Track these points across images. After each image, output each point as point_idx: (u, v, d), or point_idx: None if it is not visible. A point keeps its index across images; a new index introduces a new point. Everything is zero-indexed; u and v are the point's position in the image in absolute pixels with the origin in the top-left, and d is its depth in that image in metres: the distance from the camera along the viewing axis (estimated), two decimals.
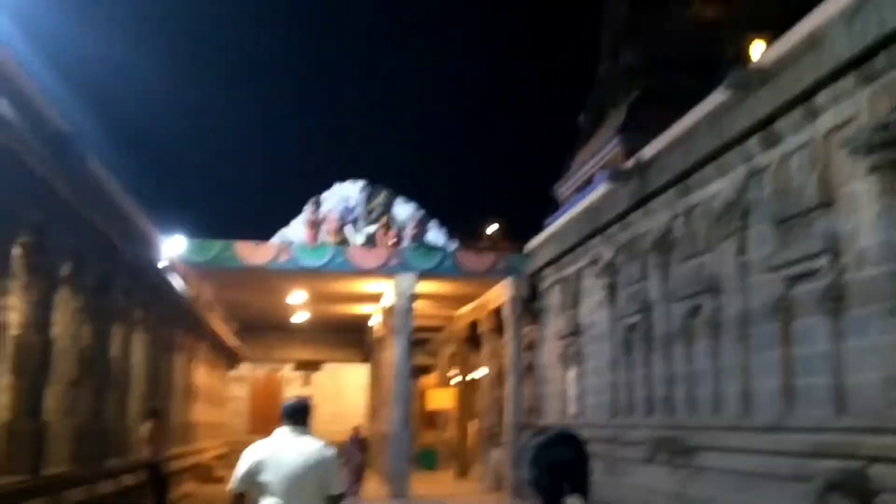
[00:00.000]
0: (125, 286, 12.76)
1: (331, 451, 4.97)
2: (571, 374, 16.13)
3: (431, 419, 29.39)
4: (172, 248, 15.71)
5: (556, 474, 2.30)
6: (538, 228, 18.70)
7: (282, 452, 4.82)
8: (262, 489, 4.75)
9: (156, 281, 14.55)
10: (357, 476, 17.54)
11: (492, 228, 29.76)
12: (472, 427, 24.77)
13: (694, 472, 10.71)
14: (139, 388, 14.46)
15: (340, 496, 4.97)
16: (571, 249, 15.75)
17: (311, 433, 5.02)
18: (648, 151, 12.19)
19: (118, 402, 12.99)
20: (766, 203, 9.57)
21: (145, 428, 14.05)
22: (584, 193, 16.01)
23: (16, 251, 8.92)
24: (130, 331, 13.49)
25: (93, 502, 10.94)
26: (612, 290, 13.97)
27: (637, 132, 15.61)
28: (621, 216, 13.21)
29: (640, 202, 12.40)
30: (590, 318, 15.24)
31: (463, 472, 23.94)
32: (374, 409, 25.97)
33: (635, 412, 12.91)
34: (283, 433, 4.94)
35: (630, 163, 12.85)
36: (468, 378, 25.57)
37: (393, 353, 19.89)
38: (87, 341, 11.37)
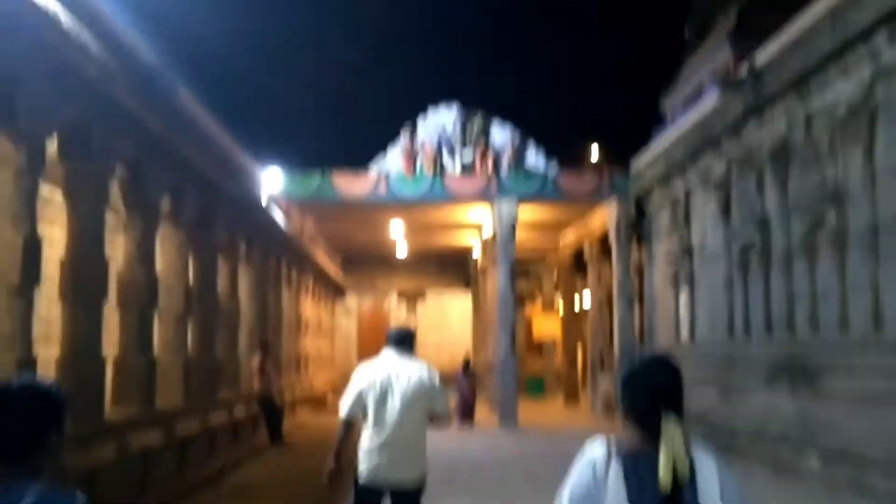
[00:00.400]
0: (227, 221, 12.81)
1: (435, 373, 5.04)
2: (682, 296, 15.50)
3: (538, 347, 29.21)
4: (271, 181, 15.72)
5: (653, 398, 2.22)
6: (642, 147, 17.90)
7: (389, 375, 4.90)
8: (371, 412, 4.85)
9: (257, 215, 14.61)
10: (468, 407, 17.69)
11: (593, 150, 28.87)
12: (580, 354, 24.47)
13: (816, 395, 10.08)
14: (247, 321, 14.67)
15: (446, 416, 5.10)
16: (681, 166, 14.96)
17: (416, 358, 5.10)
18: (763, 56, 11.27)
19: (226, 336, 13.20)
20: None
21: (255, 360, 14.31)
22: (694, 105, 15.09)
23: (114, 188, 8.95)
24: (235, 265, 13.61)
25: (206, 434, 11.18)
26: (725, 207, 13.20)
27: (748, 37, 14.51)
28: (734, 127, 12.36)
29: (755, 111, 11.54)
30: (702, 237, 14.51)
31: (571, 399, 23.74)
32: (479, 338, 25.94)
33: (752, 334, 12.26)
34: (389, 357, 5.01)
35: (742, 69, 11.94)
36: (574, 305, 25.16)
37: (496, 282, 19.64)
38: (191, 277, 11.50)
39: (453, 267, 29.42)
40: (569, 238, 23.02)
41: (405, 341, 5.12)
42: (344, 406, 4.94)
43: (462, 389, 17.84)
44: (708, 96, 13.79)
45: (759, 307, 12.03)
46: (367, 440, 4.90)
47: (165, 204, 10.42)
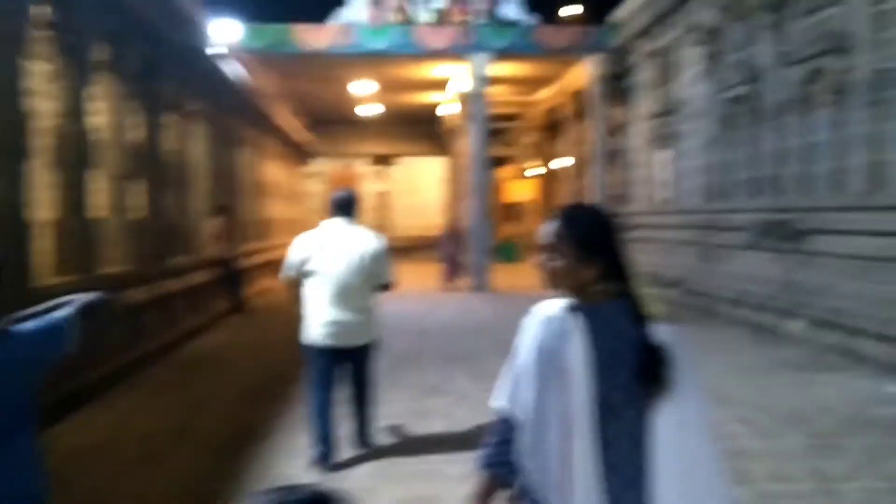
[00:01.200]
0: (176, 74, 11.74)
1: (381, 241, 5.05)
2: (663, 156, 14.80)
3: (510, 212, 28.65)
4: (226, 33, 14.50)
5: (618, 241, 2.03)
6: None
7: (332, 241, 4.94)
8: (312, 276, 4.92)
9: (210, 69, 13.49)
10: (455, 267, 17.67)
11: (571, 9, 27.30)
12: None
13: (805, 258, 9.57)
14: (202, 183, 13.81)
15: (389, 283, 5.08)
16: (665, 16, 13.93)
17: (359, 223, 5.10)
18: None
19: (179, 197, 12.35)
20: None
21: (213, 224, 13.56)
22: None
23: (38, 30, 7.89)
24: (186, 123, 12.62)
25: (158, 301, 10.54)
26: (713, 58, 12.31)
27: None
28: None
29: None
30: (686, 92, 13.67)
31: None
32: (452, 203, 25.26)
33: (737, 195, 11.65)
34: (333, 223, 5.02)
35: None
36: (548, 167, 24.44)
37: (469, 143, 18.80)
38: (136, 133, 10.56)
39: (425, 128, 28.37)
40: (545, 97, 22.05)
41: (348, 205, 5.08)
42: (285, 267, 5.07)
43: (448, 250, 17.76)
44: None
45: (745, 166, 11.37)
46: (312, 304, 4.96)
47: (103, 52, 9.35)
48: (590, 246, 2.00)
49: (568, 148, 20.51)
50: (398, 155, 30.02)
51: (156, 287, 10.49)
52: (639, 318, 1.94)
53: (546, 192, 24.21)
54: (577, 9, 26.11)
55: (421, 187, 31.17)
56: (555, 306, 2.06)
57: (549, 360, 1.97)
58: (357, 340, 5.03)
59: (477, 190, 17.31)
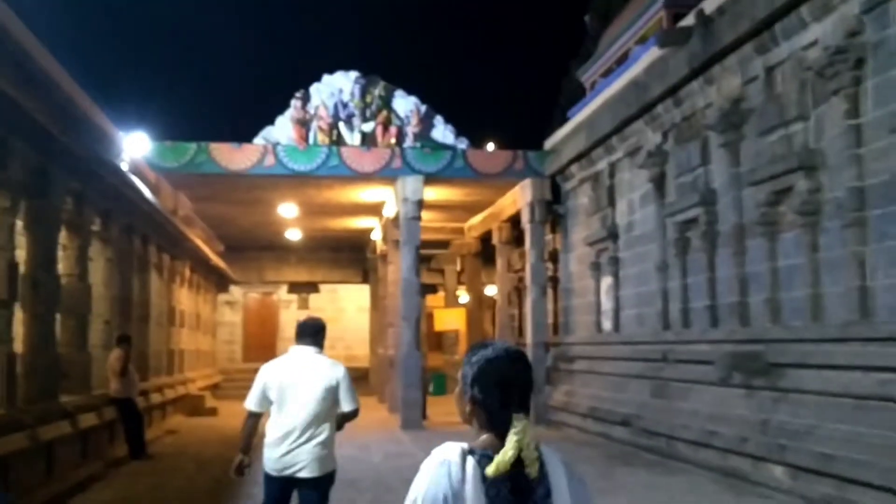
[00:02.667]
0: (73, 187, 10.46)
1: (342, 370, 5.09)
2: (605, 283, 14.00)
3: (439, 341, 27.51)
4: (135, 148, 13.33)
5: (505, 393, 2.00)
6: (553, 126, 16.39)
7: (297, 371, 4.98)
8: (276, 407, 4.95)
9: (116, 185, 12.21)
10: None
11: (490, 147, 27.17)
12: None
13: (780, 395, 8.63)
14: (103, 311, 12.30)
15: (354, 412, 5.09)
16: (605, 139, 13.42)
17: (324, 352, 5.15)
18: (714, 2, 9.76)
19: (74, 328, 10.84)
20: (894, 44, 7.23)
21: (113, 357, 11.97)
22: (618, 73, 13.61)
23: None
24: (85, 243, 11.23)
25: (39, 449, 8.88)
26: (659, 181, 11.71)
27: None
28: (673, 90, 10.84)
29: (701, 68, 10.02)
30: (629, 217, 13.01)
31: None
32: (378, 333, 23.97)
33: (694, 325, 10.79)
34: (298, 352, 5.08)
35: (687, 20, 10.44)
36: (480, 295, 23.55)
37: (398, 269, 17.79)
38: (21, 254, 9.18)
39: (350, 255, 27.33)
40: (476, 223, 21.35)
41: (314, 333, 5.14)
42: (250, 401, 5.06)
43: None
44: (640, 57, 12.28)
45: (701, 294, 10.56)
46: (272, 433, 4.98)
47: None
48: (472, 391, 2.03)
49: (501, 275, 19.66)
50: (320, 282, 28.73)
51: (36, 433, 8.85)
52: (522, 484, 1.93)
53: (478, 320, 23.19)
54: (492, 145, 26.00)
55: (345, 316, 29.83)
56: (455, 449, 1.99)
57: None
58: (314, 472, 4.96)
59: (408, 316, 16.15)
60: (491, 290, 25.21)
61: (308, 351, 5.06)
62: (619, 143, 13.08)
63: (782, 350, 8.62)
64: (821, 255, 8.22)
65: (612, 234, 13.49)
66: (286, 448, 4.90)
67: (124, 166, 12.31)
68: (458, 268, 25.91)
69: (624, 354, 12.73)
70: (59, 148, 9.62)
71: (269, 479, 5.01)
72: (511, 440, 1.93)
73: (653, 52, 11.67)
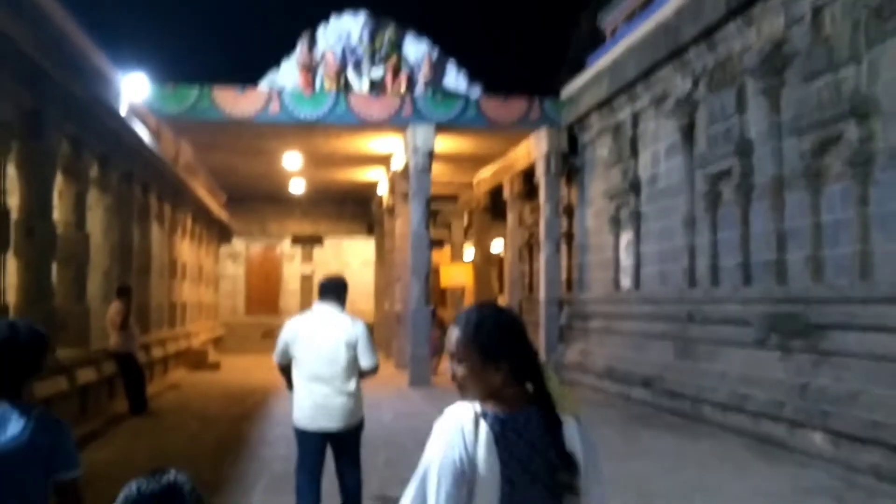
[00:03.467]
0: (68, 129, 9.85)
1: (362, 326, 5.24)
2: (625, 239, 13.44)
3: (443, 298, 27.03)
4: (135, 91, 12.66)
5: (531, 347, 2.05)
6: (570, 74, 15.66)
7: (317, 328, 5.15)
8: (300, 363, 5.14)
9: (115, 129, 11.58)
10: (432, 349, 15.92)
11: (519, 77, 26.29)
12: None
13: (821, 358, 8.12)
14: (102, 262, 11.77)
15: (374, 368, 5.22)
16: (629, 86, 12.75)
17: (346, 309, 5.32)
18: None
19: (72, 278, 10.31)
20: None
21: (113, 310, 11.47)
22: (643, 16, 12.90)
23: None
24: (83, 189, 10.65)
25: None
26: (688, 131, 11.08)
27: None
28: (707, 32, 10.16)
29: (740, 8, 9.34)
30: (653, 169, 12.41)
31: None
32: (384, 288, 23.48)
33: (724, 283, 10.25)
34: (320, 309, 5.25)
35: None
36: (488, 251, 23.02)
37: (406, 222, 17.24)
38: (15, 198, 8.62)
39: (355, 208, 26.75)
40: (486, 177, 20.72)
41: (336, 291, 5.29)
42: (276, 355, 5.30)
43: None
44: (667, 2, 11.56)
45: (733, 250, 10.01)
46: (299, 389, 5.16)
47: None
48: (494, 350, 2.00)
49: (512, 229, 19.10)
50: (325, 235, 28.16)
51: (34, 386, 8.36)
52: (551, 425, 1.94)
53: (485, 277, 22.70)
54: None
55: (349, 270, 29.27)
56: (468, 412, 1.96)
57: (459, 471, 1.90)
58: (342, 423, 5.13)
59: (416, 273, 15.62)
60: (497, 246, 24.67)
61: (331, 308, 5.23)
62: (643, 90, 12.43)
63: (824, 311, 8.09)
64: (871, 209, 7.66)
65: (634, 187, 12.90)
66: (315, 402, 5.08)
67: (123, 109, 11.68)
68: (466, 223, 25.34)
69: (645, 313, 12.23)
70: (53, 87, 8.98)
71: (301, 434, 5.17)
72: (553, 383, 1.99)
73: None
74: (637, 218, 12.85)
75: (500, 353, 1.99)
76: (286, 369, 5.27)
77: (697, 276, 10.90)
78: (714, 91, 10.43)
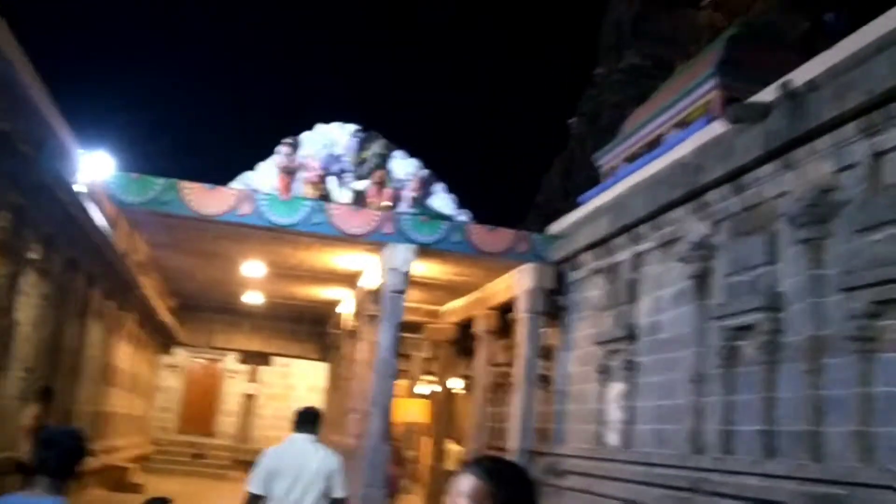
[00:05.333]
0: (10, 200, 8.54)
1: (337, 459, 5.74)
2: (614, 390, 12.24)
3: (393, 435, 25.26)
4: (96, 172, 11.42)
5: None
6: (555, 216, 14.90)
7: (295, 458, 5.57)
8: (274, 490, 5.47)
9: (66, 208, 10.26)
10: (391, 488, 14.93)
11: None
12: (451, 449, 20.79)
13: None
14: (26, 357, 10.20)
15: (345, 500, 5.70)
16: (632, 226, 11.89)
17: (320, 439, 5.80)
18: (804, 75, 8.39)
19: None
20: None
21: (28, 414, 9.84)
22: (651, 156, 12.24)
23: None
24: (17, 272, 9.23)
25: None
26: (702, 278, 10.12)
27: (740, 70, 11.83)
28: (736, 174, 9.37)
29: (781, 150, 8.57)
30: (655, 316, 11.37)
31: (435, 501, 19.88)
32: (335, 418, 21.73)
33: (739, 451, 9.03)
34: (298, 439, 5.70)
35: (761, 96, 9.06)
36: (449, 388, 21.58)
37: (370, 347, 15.92)
38: None
39: (310, 328, 25.26)
40: (456, 307, 19.59)
41: (312, 421, 5.76)
42: (253, 484, 5.53)
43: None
44: (689, 138, 10.88)
45: (752, 415, 8.85)
46: None
47: None
48: None
49: (481, 368, 17.80)
50: (275, 354, 26.47)
51: None
52: None
53: (442, 414, 21.16)
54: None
55: (294, 395, 27.48)
56: None
57: None
58: None
59: (377, 404, 14.14)
60: (455, 384, 23.23)
61: (307, 438, 5.68)
62: (650, 231, 11.56)
63: (876, 497, 6.89)
64: None
65: (630, 335, 11.82)
66: None
67: (80, 188, 10.41)
68: (428, 354, 23.95)
69: (637, 477, 10.89)
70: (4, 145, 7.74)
71: None
72: None
73: (706, 132, 10.29)
74: (632, 368, 11.71)
75: None
76: (256, 500, 5.49)
77: (704, 441, 9.67)
78: (737, 237, 9.55)
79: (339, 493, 5.59)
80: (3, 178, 8.02)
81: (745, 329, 9.12)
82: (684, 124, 12.13)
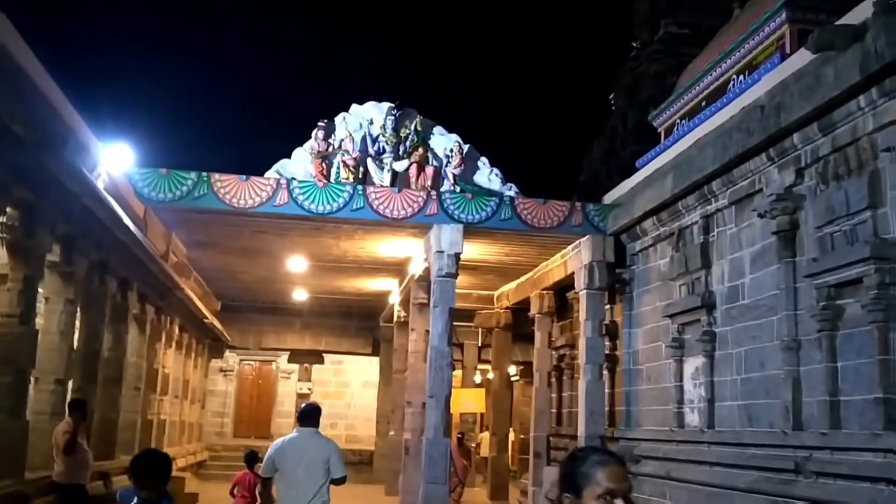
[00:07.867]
0: (20, 196, 7.79)
1: (333, 446, 6.66)
2: (692, 366, 11.18)
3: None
4: (116, 164, 10.66)
5: None
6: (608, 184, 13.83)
7: (297, 446, 6.52)
8: (281, 475, 6.45)
9: (88, 206, 9.50)
10: (460, 481, 16.64)
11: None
12: (513, 436, 19.89)
13: None
14: (55, 368, 9.49)
15: (342, 478, 6.51)
16: (700, 184, 10.79)
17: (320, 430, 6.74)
18: None
19: (8, 385, 8.03)
20: None
21: (59, 429, 9.10)
22: (716, 108, 11.12)
23: None
24: (34, 275, 8.49)
25: None
26: (788, 233, 9.01)
27: (810, 1, 10.66)
28: (825, 109, 8.21)
29: (882, 72, 7.39)
30: (734, 281, 10.28)
31: (499, 493, 19.01)
32: (388, 413, 20.96)
33: (850, 424, 7.94)
34: (302, 431, 6.63)
35: (848, 18, 7.92)
36: (507, 375, 20.67)
37: (422, 337, 15.17)
38: None
39: (360, 322, 24.49)
40: (509, 290, 18.64)
41: (313, 416, 6.69)
42: (263, 469, 6.61)
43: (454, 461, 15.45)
44: (760, 80, 9.75)
45: (864, 383, 7.74)
46: (281, 496, 6.47)
47: None
48: None
49: (539, 352, 16.81)
50: (325, 352, 25.75)
51: None
52: None
53: (502, 404, 20.24)
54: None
55: (349, 391, 26.76)
56: None
57: None
58: None
59: (435, 396, 13.24)
60: (510, 370, 22.30)
61: (309, 431, 6.61)
62: (721, 187, 10.45)
63: None
64: None
65: (707, 304, 10.72)
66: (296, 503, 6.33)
67: (100, 183, 9.64)
68: (482, 341, 23.04)
69: (725, 459, 9.84)
70: (18, 153, 6.96)
71: None
72: None
73: (781, 70, 9.16)
74: (711, 340, 10.62)
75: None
76: (269, 484, 6.54)
77: (805, 416, 8.58)
78: (829, 182, 8.42)
79: (337, 474, 6.43)
80: (7, 172, 7.26)
81: (847, 285, 8.00)
82: (752, 68, 11.00)
